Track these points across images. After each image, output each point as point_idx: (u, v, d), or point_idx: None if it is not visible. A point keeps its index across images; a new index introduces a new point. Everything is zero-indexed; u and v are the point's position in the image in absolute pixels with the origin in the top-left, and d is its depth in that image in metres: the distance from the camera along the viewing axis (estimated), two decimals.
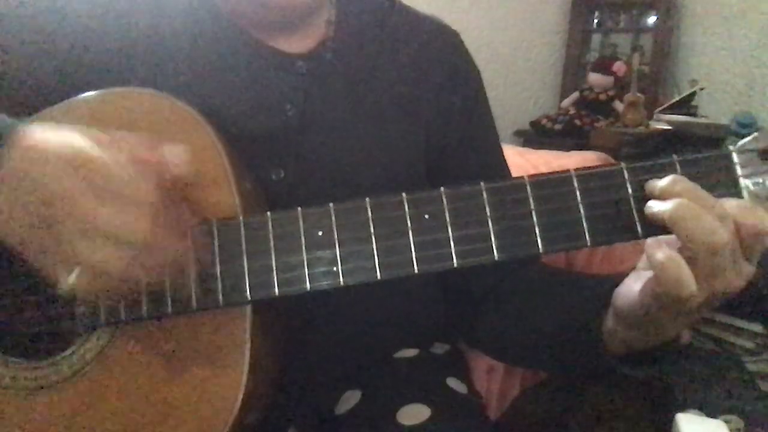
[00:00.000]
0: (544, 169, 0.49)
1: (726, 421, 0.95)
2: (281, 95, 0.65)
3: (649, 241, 0.46)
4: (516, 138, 2.50)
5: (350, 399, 0.69)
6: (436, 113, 0.72)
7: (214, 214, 0.52)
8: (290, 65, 0.66)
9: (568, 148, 1.53)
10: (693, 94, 2.25)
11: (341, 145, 0.67)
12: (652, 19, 2.53)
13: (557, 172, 0.49)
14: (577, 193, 0.48)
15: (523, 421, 1.03)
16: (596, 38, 2.69)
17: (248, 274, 0.50)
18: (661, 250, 0.44)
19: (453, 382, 0.71)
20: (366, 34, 0.70)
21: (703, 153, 0.48)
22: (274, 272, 0.50)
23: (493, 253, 0.49)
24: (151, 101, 0.56)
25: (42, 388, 0.54)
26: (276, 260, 0.50)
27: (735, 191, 0.48)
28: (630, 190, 0.48)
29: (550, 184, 0.49)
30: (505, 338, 0.72)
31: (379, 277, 0.49)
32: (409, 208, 0.50)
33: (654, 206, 0.46)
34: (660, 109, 2.25)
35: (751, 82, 2.31)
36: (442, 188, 0.50)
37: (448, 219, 0.49)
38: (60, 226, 0.44)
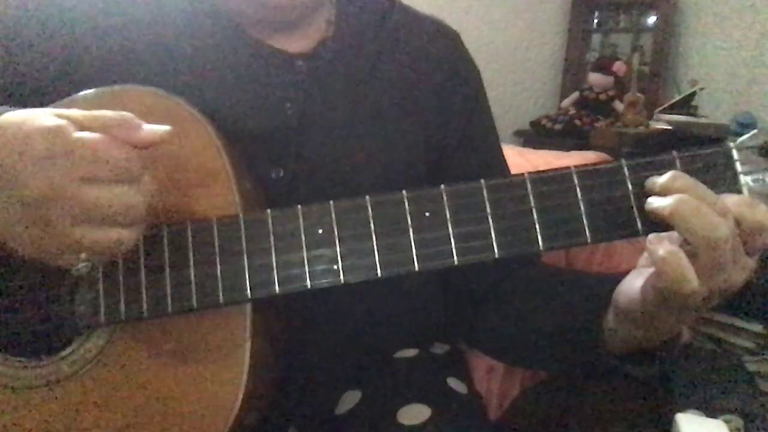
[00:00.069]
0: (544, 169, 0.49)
1: (726, 421, 0.95)
2: (281, 95, 0.65)
3: (651, 237, 0.46)
4: (516, 138, 2.50)
5: (350, 399, 0.69)
6: (436, 113, 0.72)
7: (214, 212, 0.52)
8: (290, 65, 0.66)
9: (568, 148, 1.53)
10: (693, 94, 2.25)
11: (341, 144, 0.67)
12: (652, 19, 2.53)
13: (557, 169, 0.49)
14: (578, 189, 0.48)
15: (523, 421, 1.04)
16: (596, 38, 2.69)
17: (248, 273, 0.50)
18: (662, 245, 0.44)
19: (453, 382, 0.71)
20: (366, 34, 0.70)
21: (703, 150, 0.48)
22: (275, 270, 0.50)
23: (494, 250, 0.49)
24: (151, 100, 0.56)
25: (42, 387, 0.54)
26: (276, 258, 0.50)
27: (735, 188, 0.48)
28: (630, 187, 0.48)
29: (550, 180, 0.49)
30: (505, 338, 0.72)
31: (379, 274, 0.49)
32: (409, 205, 0.50)
33: (654, 202, 0.46)
34: (660, 109, 2.25)
35: (751, 82, 2.31)
36: (442, 186, 0.50)
37: (448, 216, 0.49)
38: (52, 220, 0.44)
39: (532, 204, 0.49)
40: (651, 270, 0.47)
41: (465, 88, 0.74)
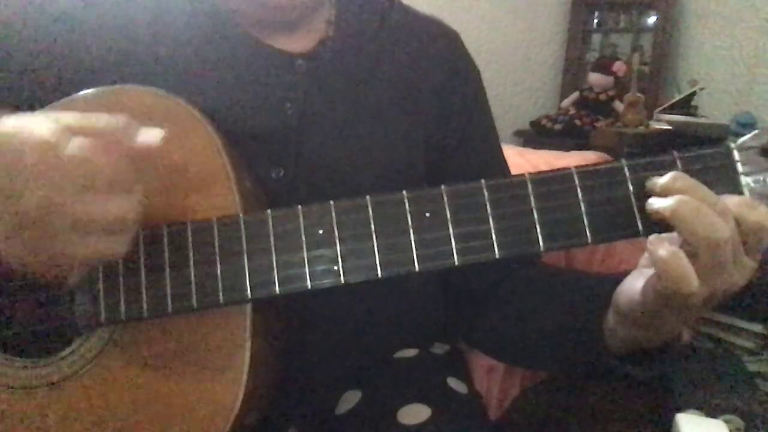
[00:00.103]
0: (544, 169, 0.49)
1: (726, 421, 0.95)
2: (281, 94, 0.65)
3: (651, 238, 0.46)
4: (516, 138, 2.50)
5: (350, 399, 0.69)
6: (435, 113, 0.72)
7: (214, 212, 0.52)
8: (290, 65, 0.66)
9: (568, 148, 1.53)
10: (693, 94, 2.25)
11: (341, 144, 0.67)
12: (652, 19, 2.53)
13: (558, 169, 0.49)
14: (578, 190, 0.48)
15: (523, 421, 1.03)
16: (596, 38, 2.69)
17: (249, 273, 0.50)
18: (662, 246, 0.44)
19: (453, 382, 0.71)
20: (366, 34, 0.70)
21: (703, 150, 0.48)
22: (275, 270, 0.50)
23: (494, 250, 0.49)
24: (150, 99, 0.56)
25: (42, 387, 0.54)
26: (277, 258, 0.50)
27: (736, 188, 0.48)
28: (631, 187, 0.48)
29: (550, 181, 0.49)
30: (505, 338, 0.72)
31: (380, 275, 0.49)
32: (409, 205, 0.49)
33: (655, 203, 0.46)
34: (660, 109, 2.25)
35: (751, 82, 2.31)
36: (442, 186, 0.50)
37: (448, 217, 0.49)
38: (46, 232, 0.44)
39: (533, 204, 0.49)
40: (651, 270, 0.47)
41: (465, 88, 0.74)
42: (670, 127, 2.04)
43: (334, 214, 0.50)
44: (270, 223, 0.51)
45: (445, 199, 0.49)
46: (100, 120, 0.46)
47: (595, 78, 2.40)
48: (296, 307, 0.63)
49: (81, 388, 0.54)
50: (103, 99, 0.57)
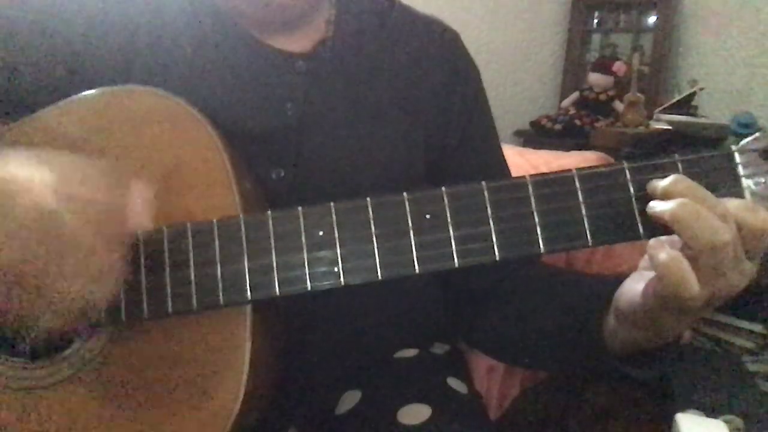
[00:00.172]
0: (544, 169, 0.49)
1: (726, 421, 0.94)
2: (281, 95, 0.65)
3: (652, 241, 0.46)
4: (516, 138, 2.50)
5: (350, 399, 0.69)
6: (435, 113, 0.72)
7: (214, 213, 0.52)
8: (290, 65, 0.66)
9: (568, 148, 1.53)
10: (693, 94, 2.25)
11: (341, 144, 0.67)
12: (652, 19, 2.53)
13: (559, 171, 0.49)
14: (579, 192, 0.48)
15: (523, 421, 1.04)
16: (596, 38, 2.68)
17: (249, 274, 0.50)
18: (663, 250, 0.44)
19: (453, 382, 0.71)
20: (366, 34, 0.70)
21: (704, 153, 0.48)
22: (275, 272, 0.50)
23: (494, 252, 0.49)
24: (151, 100, 0.56)
25: (42, 388, 0.54)
26: (277, 260, 0.50)
27: (737, 191, 0.48)
28: (632, 190, 0.48)
29: (551, 183, 0.49)
30: (505, 338, 0.72)
31: (380, 276, 0.49)
32: (410, 207, 0.49)
33: (656, 206, 0.46)
34: (660, 109, 2.25)
35: (751, 82, 2.31)
36: (443, 188, 0.49)
37: (449, 218, 0.49)
38: (21, 285, 0.44)
39: (534, 206, 0.49)
40: (652, 273, 0.47)
41: (465, 88, 0.74)
42: (670, 127, 2.04)
43: (334, 216, 0.50)
44: (270, 224, 0.51)
45: (446, 200, 0.49)
46: (100, 204, 0.47)
47: (595, 78, 2.40)
48: (296, 308, 0.63)
49: (81, 389, 0.54)
50: (104, 100, 0.57)
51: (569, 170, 0.49)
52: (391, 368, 0.72)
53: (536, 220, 0.48)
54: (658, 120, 2.16)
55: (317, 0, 0.66)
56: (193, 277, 0.51)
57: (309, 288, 0.50)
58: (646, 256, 0.50)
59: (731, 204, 0.45)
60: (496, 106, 0.78)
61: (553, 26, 2.66)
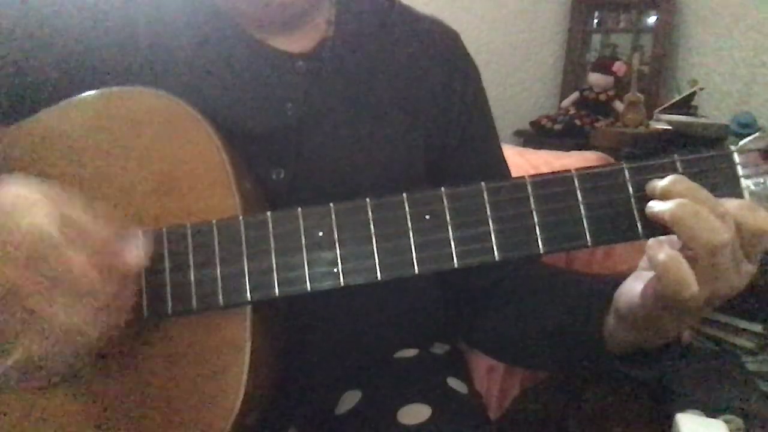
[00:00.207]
0: (544, 169, 0.49)
1: (726, 421, 0.95)
2: (281, 95, 0.65)
3: (651, 241, 0.46)
4: (516, 138, 2.50)
5: (350, 399, 0.69)
6: (435, 113, 0.72)
7: (214, 213, 0.52)
8: (290, 65, 0.66)
9: (568, 148, 1.53)
10: (693, 94, 2.25)
11: (341, 144, 0.67)
12: (652, 19, 2.53)
13: (558, 171, 0.49)
14: (578, 192, 0.48)
15: (523, 421, 1.04)
16: (596, 38, 2.68)
17: (248, 275, 0.50)
18: (662, 250, 0.44)
19: (453, 382, 0.71)
20: (366, 34, 0.70)
21: (704, 153, 0.48)
22: (275, 272, 0.50)
23: (494, 253, 0.49)
24: (151, 101, 0.56)
25: (42, 388, 0.54)
26: (276, 260, 0.50)
27: (736, 191, 0.48)
28: (631, 190, 0.48)
29: (550, 183, 0.49)
30: (505, 338, 0.72)
31: (379, 277, 0.49)
32: (409, 208, 0.49)
33: (655, 206, 0.46)
34: (660, 109, 2.24)
35: (751, 82, 2.31)
36: (442, 188, 0.50)
37: (448, 219, 0.49)
38: (5, 315, 0.43)
39: (533, 207, 0.49)
40: (651, 273, 0.47)
41: (465, 88, 0.74)
42: (670, 127, 2.04)
43: (333, 216, 0.50)
44: (270, 225, 0.51)
45: (445, 201, 0.49)
46: (97, 235, 0.46)
47: (595, 78, 2.39)
48: (296, 308, 0.63)
49: (81, 390, 0.54)
50: (104, 101, 0.57)
51: (568, 170, 0.49)
52: (391, 368, 0.72)
53: (535, 220, 0.48)
54: (658, 120, 2.15)
55: None
56: (192, 277, 0.51)
57: (309, 289, 0.50)
58: (645, 257, 0.50)
59: (730, 204, 0.45)
60: (496, 106, 0.78)
61: (553, 26, 2.66)
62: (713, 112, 2.32)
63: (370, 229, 0.50)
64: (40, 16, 0.62)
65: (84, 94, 0.57)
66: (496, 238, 0.49)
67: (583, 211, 0.48)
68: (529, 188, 0.49)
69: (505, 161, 0.79)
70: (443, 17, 0.78)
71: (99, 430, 0.53)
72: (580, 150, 1.43)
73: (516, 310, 0.70)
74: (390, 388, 0.68)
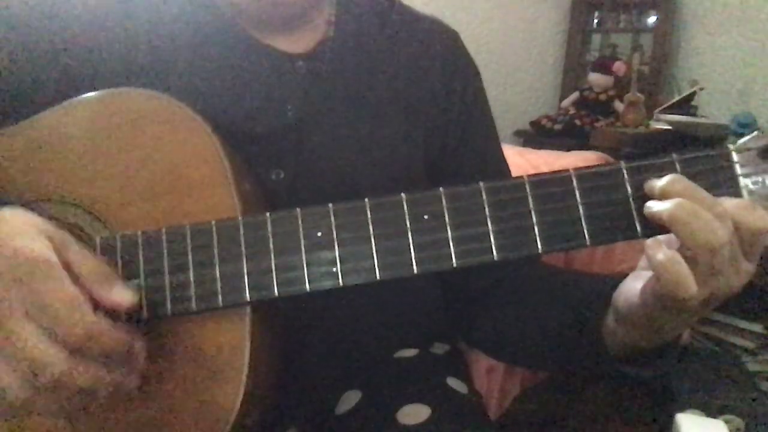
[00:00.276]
0: (544, 169, 0.49)
1: (726, 421, 0.95)
2: (281, 95, 0.65)
3: (649, 241, 0.46)
4: (516, 138, 2.50)
5: (350, 399, 0.69)
6: (435, 113, 0.72)
7: (213, 214, 0.52)
8: (290, 65, 0.66)
9: (568, 148, 1.53)
10: (693, 94, 2.25)
11: (341, 145, 0.67)
12: (652, 19, 2.53)
13: (556, 171, 0.49)
14: (577, 192, 0.48)
15: (523, 421, 1.04)
16: (596, 38, 2.69)
17: (247, 275, 0.50)
18: (660, 250, 0.44)
19: (453, 382, 0.71)
20: (366, 34, 0.70)
21: (702, 152, 0.48)
22: (274, 273, 0.50)
23: (493, 253, 0.49)
24: (150, 102, 0.56)
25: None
26: (275, 261, 0.50)
27: (734, 190, 0.48)
28: (629, 190, 0.48)
29: (549, 183, 0.49)
30: (504, 337, 0.72)
31: (378, 277, 0.49)
32: (408, 208, 0.49)
33: (653, 206, 0.46)
34: (660, 109, 2.25)
35: (751, 82, 2.31)
36: (441, 188, 0.49)
37: (447, 219, 0.49)
38: None
39: (531, 206, 0.49)
40: (650, 273, 0.47)
41: (465, 87, 0.74)
42: (670, 127, 2.04)
43: (332, 217, 0.50)
44: (269, 226, 0.51)
45: (444, 201, 0.49)
46: (91, 266, 0.47)
47: (595, 78, 2.40)
48: (296, 308, 0.63)
49: None
50: (104, 102, 0.57)
51: (566, 170, 0.49)
52: (391, 368, 0.72)
53: (534, 220, 0.48)
54: (658, 120, 2.15)
55: None
56: (192, 278, 0.51)
57: (308, 289, 0.50)
58: (644, 256, 0.50)
59: (729, 203, 0.45)
60: (496, 106, 0.78)
61: (553, 26, 2.66)
62: (713, 112, 2.32)
63: (369, 229, 0.50)
64: (40, 17, 0.62)
65: (84, 95, 0.57)
66: (494, 238, 0.49)
67: (581, 211, 0.48)
68: (528, 188, 0.49)
69: (505, 161, 0.79)
70: (443, 17, 0.78)
71: (99, 430, 0.53)
72: (580, 150, 1.44)
73: (516, 310, 0.70)
74: (390, 388, 0.68)
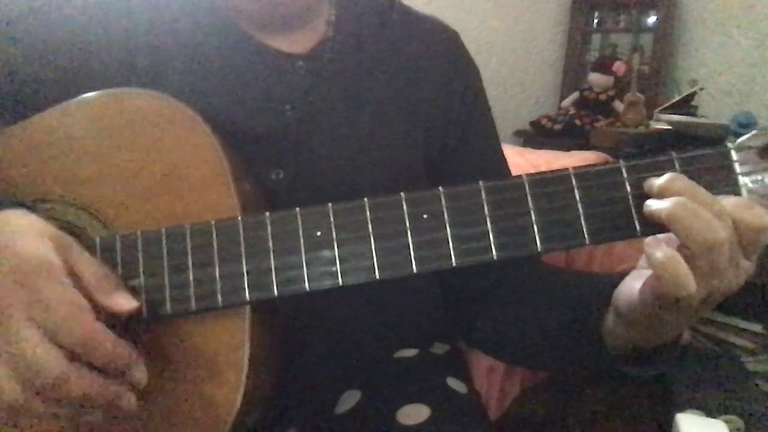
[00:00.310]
0: (544, 169, 0.49)
1: (726, 421, 0.95)
2: (281, 95, 0.65)
3: (648, 240, 0.46)
4: (516, 138, 2.50)
5: (350, 399, 0.69)
6: (435, 113, 0.72)
7: (212, 214, 0.52)
8: (290, 65, 0.66)
9: (568, 148, 1.53)
10: (693, 94, 2.25)
11: (341, 145, 0.67)
12: (652, 19, 2.53)
13: (555, 170, 0.49)
14: (576, 191, 0.48)
15: (523, 421, 1.04)
16: (596, 38, 2.68)
17: (247, 275, 0.50)
18: (660, 249, 0.44)
19: (453, 382, 0.71)
20: (366, 34, 0.70)
21: (701, 150, 0.48)
22: (273, 273, 0.50)
23: (492, 252, 0.49)
24: (150, 102, 0.56)
25: None
26: (275, 261, 0.50)
27: (734, 189, 0.48)
28: (628, 188, 0.48)
29: (548, 182, 0.49)
30: (504, 337, 0.72)
31: (377, 277, 0.49)
32: (407, 207, 0.49)
33: (652, 204, 0.46)
34: (660, 109, 2.24)
35: (751, 82, 2.31)
36: (440, 188, 0.50)
37: (446, 218, 0.49)
38: None
39: (531, 206, 0.49)
40: (650, 272, 0.47)
41: (465, 87, 0.74)
42: (670, 127, 2.04)
43: (332, 216, 0.50)
44: (268, 226, 0.51)
45: (443, 200, 0.49)
46: (95, 272, 0.47)
47: (595, 78, 2.39)
48: (296, 308, 0.63)
49: None
50: (104, 102, 0.57)
51: (566, 169, 0.49)
52: (390, 368, 0.72)
53: (533, 219, 0.48)
54: (658, 120, 2.15)
55: None
56: (191, 278, 0.51)
57: (307, 288, 0.50)
58: (644, 255, 0.50)
59: (728, 202, 0.45)
60: (496, 106, 0.78)
61: (553, 26, 2.66)
62: (713, 112, 2.32)
63: (368, 228, 0.50)
64: (40, 17, 0.63)
65: (84, 95, 0.57)
66: (494, 238, 0.49)
67: (580, 210, 0.48)
68: (527, 187, 0.49)
69: (505, 161, 0.79)
70: (443, 17, 0.78)
71: (98, 430, 0.53)
72: (580, 150, 1.44)
73: (516, 310, 0.70)
74: (389, 388, 0.68)
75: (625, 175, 0.48)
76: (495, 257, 0.48)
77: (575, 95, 2.47)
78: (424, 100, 0.71)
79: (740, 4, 2.31)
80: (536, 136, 2.43)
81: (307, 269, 0.50)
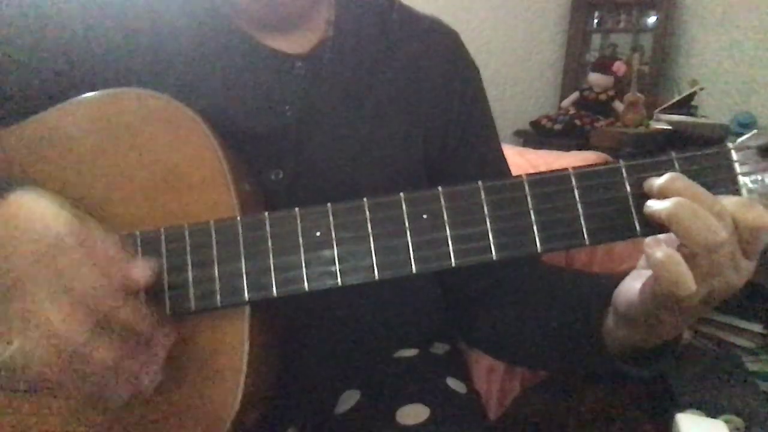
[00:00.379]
0: (543, 169, 0.49)
1: (726, 421, 0.95)
2: (280, 96, 0.65)
3: (648, 240, 0.46)
4: (516, 138, 2.50)
5: (350, 399, 0.69)
6: (435, 113, 0.72)
7: (212, 214, 0.52)
8: (289, 66, 0.66)
9: (568, 148, 1.53)
10: (693, 94, 2.25)
11: (340, 145, 0.67)
12: (652, 19, 2.53)
13: (555, 170, 0.49)
14: (575, 191, 0.48)
15: (523, 421, 1.04)
16: (596, 38, 2.68)
17: (246, 275, 0.50)
18: (659, 249, 0.44)
19: (453, 382, 0.71)
20: (365, 34, 0.70)
21: (701, 150, 0.48)
22: (272, 273, 0.50)
23: (491, 252, 0.49)
24: (149, 102, 0.56)
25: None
26: (274, 260, 0.50)
27: (733, 189, 0.48)
28: (628, 188, 0.48)
29: (548, 182, 0.49)
30: (504, 337, 0.72)
31: (377, 277, 0.49)
32: (407, 207, 0.49)
33: (652, 205, 0.46)
34: (660, 109, 2.24)
35: (751, 82, 2.31)
36: (440, 188, 0.49)
37: (446, 218, 0.49)
38: (3, 306, 0.44)
39: (530, 206, 0.49)
40: (650, 272, 0.47)
41: (464, 87, 0.74)
42: (670, 127, 2.04)
43: (331, 216, 0.50)
44: (267, 225, 0.51)
45: (443, 200, 0.49)
46: (107, 247, 0.47)
47: (595, 78, 2.39)
48: (295, 308, 0.63)
49: None
50: (103, 102, 0.57)
51: (565, 169, 0.49)
52: (390, 368, 0.72)
53: (533, 219, 0.48)
54: (658, 120, 2.15)
55: None
56: (190, 278, 0.51)
57: (307, 288, 0.50)
58: (644, 255, 0.50)
59: (728, 202, 0.45)
60: (496, 106, 0.78)
61: (553, 26, 2.66)
62: (713, 112, 2.32)
63: (367, 228, 0.50)
64: (40, 17, 0.63)
65: (84, 95, 0.57)
66: (493, 237, 0.49)
67: (580, 210, 0.48)
68: (527, 187, 0.49)
69: (505, 161, 0.79)
70: (443, 17, 0.78)
71: (100, 431, 0.53)
72: (580, 150, 1.43)
73: (516, 310, 0.70)
74: (389, 388, 0.68)
75: (625, 175, 0.48)
76: (494, 257, 0.48)
77: (575, 95, 2.47)
78: (423, 100, 0.71)
79: (740, 4, 2.31)
80: (536, 136, 2.44)
81: (306, 269, 0.50)
